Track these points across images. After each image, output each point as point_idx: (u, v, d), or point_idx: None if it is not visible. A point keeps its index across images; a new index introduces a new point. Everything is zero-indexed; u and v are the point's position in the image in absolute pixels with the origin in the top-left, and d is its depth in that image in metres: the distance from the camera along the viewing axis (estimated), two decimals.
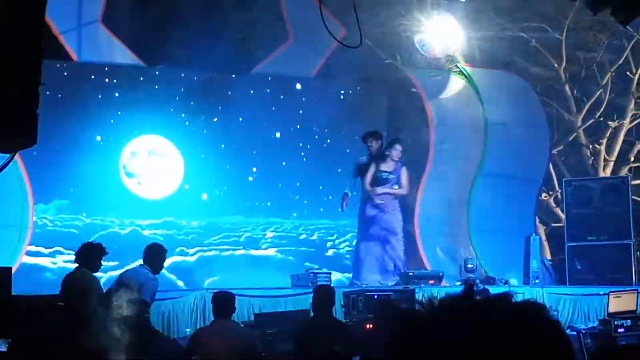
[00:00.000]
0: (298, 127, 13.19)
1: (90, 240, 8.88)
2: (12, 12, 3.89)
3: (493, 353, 1.16)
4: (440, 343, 1.18)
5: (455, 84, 13.56)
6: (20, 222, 11.21)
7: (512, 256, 12.27)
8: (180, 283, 11.33)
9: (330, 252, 13.23)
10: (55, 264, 11.80)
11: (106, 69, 12.42)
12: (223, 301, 7.86)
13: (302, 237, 13.21)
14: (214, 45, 12.44)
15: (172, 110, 12.73)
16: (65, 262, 11.79)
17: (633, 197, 12.94)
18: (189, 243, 12.53)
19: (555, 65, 14.49)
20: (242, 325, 8.25)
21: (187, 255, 12.46)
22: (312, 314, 8.05)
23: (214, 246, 12.70)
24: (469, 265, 11.86)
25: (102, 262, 8.50)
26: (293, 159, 12.96)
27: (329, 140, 12.06)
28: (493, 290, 8.91)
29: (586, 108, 14.80)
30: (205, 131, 12.91)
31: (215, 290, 8.49)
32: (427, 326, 1.21)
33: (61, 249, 11.81)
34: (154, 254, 8.67)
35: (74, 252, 11.43)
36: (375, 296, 9.45)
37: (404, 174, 11.59)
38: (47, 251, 11.74)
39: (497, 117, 13.35)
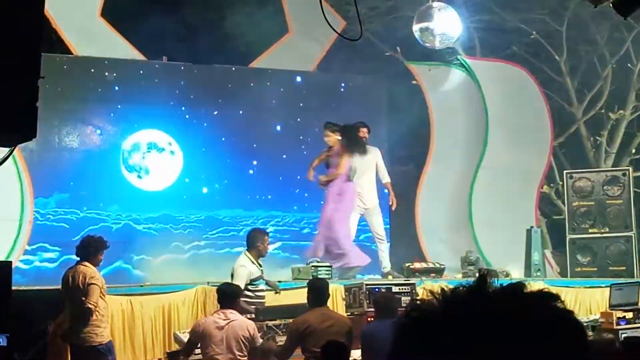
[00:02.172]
0: (298, 120, 13.14)
1: (91, 234, 8.85)
2: (12, 5, 3.87)
3: (508, 343, 1.14)
4: (453, 334, 1.15)
5: (456, 76, 13.53)
6: (21, 216, 11.16)
7: (514, 249, 12.25)
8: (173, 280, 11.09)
9: None
10: (30, 263, 11.40)
11: (106, 62, 12.37)
12: (228, 292, 8.09)
13: (305, 231, 13.14)
14: (214, 39, 12.40)
15: (172, 103, 12.70)
16: (42, 261, 11.44)
17: (634, 189, 12.94)
18: (185, 238, 12.47)
19: (556, 57, 14.47)
20: (244, 316, 8.32)
21: (182, 252, 12.39)
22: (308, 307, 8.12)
23: (213, 240, 12.64)
24: (471, 258, 11.84)
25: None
26: (294, 152, 12.91)
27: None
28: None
29: (587, 100, 14.78)
30: (205, 124, 12.88)
31: (217, 284, 8.63)
32: (439, 317, 1.19)
33: (46, 245, 11.55)
34: (249, 241, 9.41)
35: (59, 249, 11.37)
36: (377, 289, 9.44)
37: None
38: (29, 248, 11.39)
39: (498, 109, 13.32)
